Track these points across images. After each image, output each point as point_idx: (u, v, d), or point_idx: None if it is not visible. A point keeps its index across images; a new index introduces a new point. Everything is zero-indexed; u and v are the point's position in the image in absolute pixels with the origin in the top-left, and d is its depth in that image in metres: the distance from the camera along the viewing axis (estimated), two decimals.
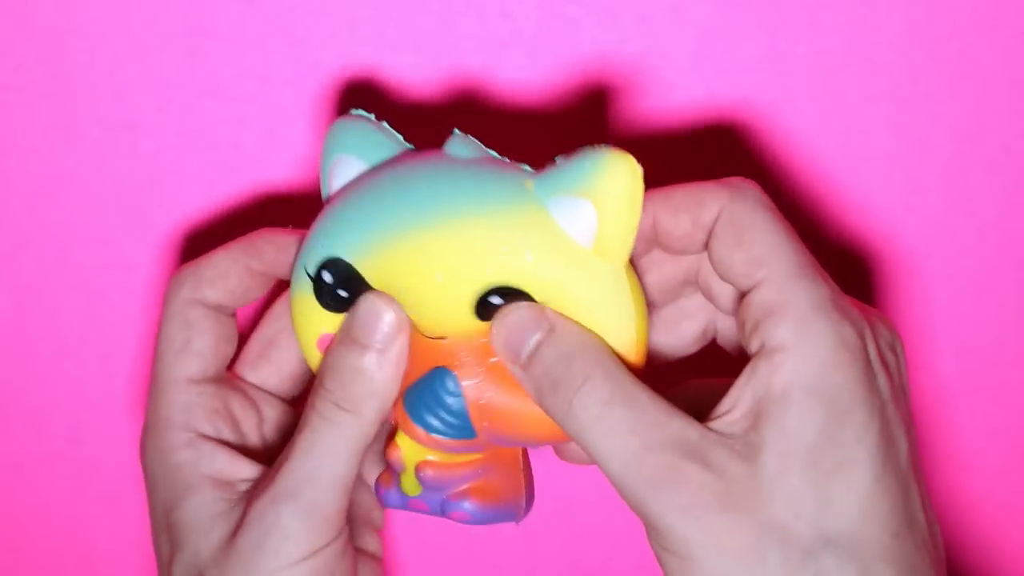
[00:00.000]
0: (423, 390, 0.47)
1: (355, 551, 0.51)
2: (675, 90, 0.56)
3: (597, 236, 0.45)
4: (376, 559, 0.53)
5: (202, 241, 0.57)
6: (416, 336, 0.47)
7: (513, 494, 0.50)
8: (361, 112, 0.48)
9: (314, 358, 0.48)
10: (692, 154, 0.56)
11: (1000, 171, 0.56)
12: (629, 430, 0.44)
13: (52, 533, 0.59)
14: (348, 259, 0.47)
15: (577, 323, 0.45)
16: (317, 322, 0.48)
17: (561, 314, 0.45)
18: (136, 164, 0.57)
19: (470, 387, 0.47)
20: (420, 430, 0.47)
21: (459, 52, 0.56)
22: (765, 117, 0.56)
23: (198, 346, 0.50)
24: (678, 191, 0.47)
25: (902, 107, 0.56)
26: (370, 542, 0.53)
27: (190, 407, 0.50)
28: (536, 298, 0.45)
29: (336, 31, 0.56)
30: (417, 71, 0.56)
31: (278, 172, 0.57)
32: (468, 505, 0.49)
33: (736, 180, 0.47)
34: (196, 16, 0.55)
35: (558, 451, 0.50)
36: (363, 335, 0.47)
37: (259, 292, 0.51)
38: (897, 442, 0.45)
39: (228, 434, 0.51)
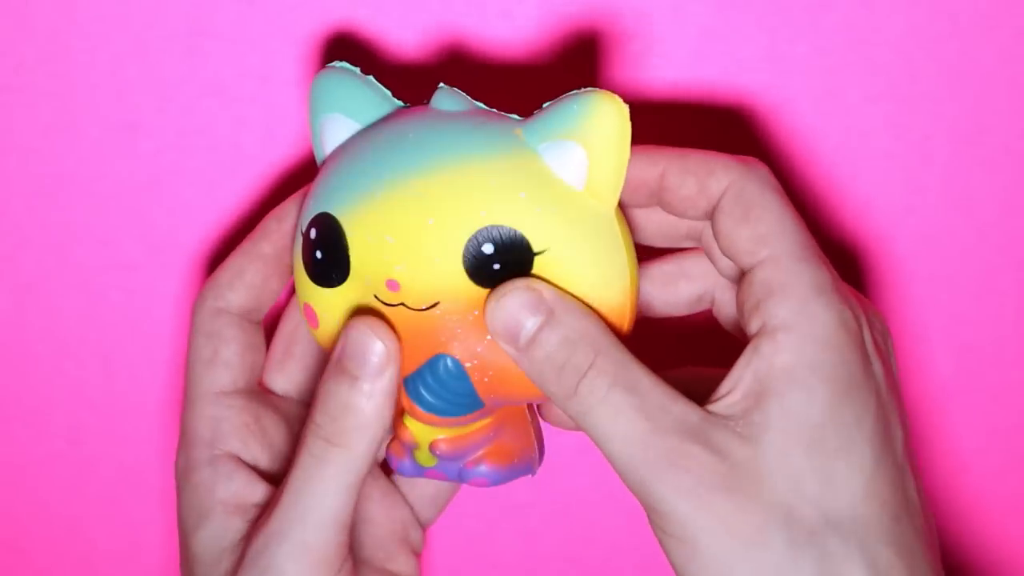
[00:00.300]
0: (426, 379, 0.46)
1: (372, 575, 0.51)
2: (673, 87, 0.56)
3: (588, 178, 0.45)
4: None
5: (202, 241, 0.57)
6: (408, 313, 0.46)
7: (525, 449, 0.50)
8: (345, 65, 0.48)
9: (310, 331, 0.48)
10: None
11: (1000, 171, 0.56)
12: (633, 413, 0.44)
13: (52, 533, 0.59)
14: (335, 215, 0.46)
15: (576, 300, 0.45)
16: (304, 288, 0.48)
17: (559, 292, 0.45)
18: (136, 164, 0.57)
19: (473, 368, 0.46)
20: (429, 415, 0.47)
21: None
22: (764, 116, 0.56)
23: (225, 356, 0.50)
24: (693, 154, 0.47)
25: (901, 107, 0.56)
26: (402, 563, 0.52)
27: (218, 422, 0.50)
28: (530, 238, 0.45)
29: (336, 31, 0.56)
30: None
31: (278, 172, 0.57)
32: (485, 469, 0.49)
33: (748, 158, 0.47)
34: (196, 16, 0.55)
35: (543, 412, 0.50)
36: (353, 365, 0.46)
37: (279, 282, 0.51)
38: (893, 429, 0.45)
39: (257, 450, 0.50)
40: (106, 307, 0.58)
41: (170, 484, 0.59)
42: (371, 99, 0.48)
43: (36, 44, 0.56)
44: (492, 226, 0.45)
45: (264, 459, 0.50)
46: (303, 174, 0.57)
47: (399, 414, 0.49)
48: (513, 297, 0.45)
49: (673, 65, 0.55)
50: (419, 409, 0.47)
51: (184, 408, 0.50)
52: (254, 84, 0.56)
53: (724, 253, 0.47)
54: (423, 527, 0.53)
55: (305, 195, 0.49)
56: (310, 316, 0.48)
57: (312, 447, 0.46)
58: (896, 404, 0.45)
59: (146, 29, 0.56)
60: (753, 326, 0.45)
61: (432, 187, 0.45)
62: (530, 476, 0.50)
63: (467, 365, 0.46)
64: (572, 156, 0.45)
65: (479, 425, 0.49)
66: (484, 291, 0.45)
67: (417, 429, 0.48)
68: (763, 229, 0.45)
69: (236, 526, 0.48)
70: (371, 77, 0.48)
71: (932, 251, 0.57)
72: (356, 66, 0.48)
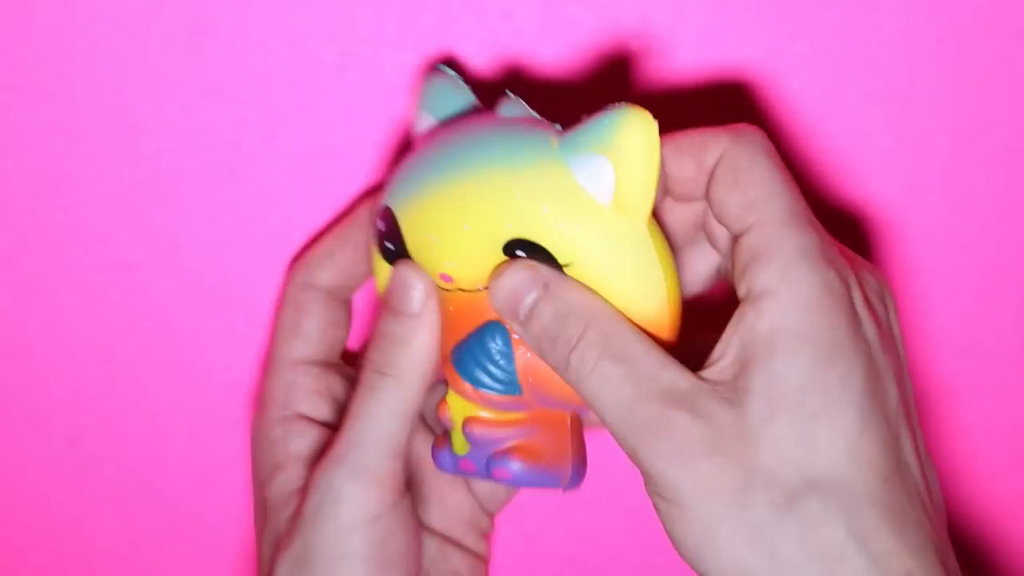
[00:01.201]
0: (472, 345, 0.48)
1: (448, 547, 0.53)
2: (673, 91, 0.56)
3: (616, 192, 0.46)
4: (480, 559, 0.54)
5: (202, 241, 0.57)
6: (459, 294, 0.48)
7: (558, 459, 0.50)
8: (449, 70, 0.50)
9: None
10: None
11: (1000, 171, 0.56)
12: (621, 381, 0.45)
13: (52, 533, 0.59)
14: (394, 209, 0.49)
15: (571, 279, 0.46)
16: (380, 271, 0.50)
17: (555, 272, 0.46)
18: (136, 164, 0.57)
19: (517, 343, 0.48)
20: (468, 386, 0.48)
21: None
22: (765, 113, 0.56)
23: (307, 328, 0.53)
24: (683, 135, 0.48)
25: (902, 107, 0.56)
26: (473, 542, 0.54)
27: (293, 386, 0.53)
28: (554, 252, 0.46)
29: (336, 31, 0.56)
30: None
31: (278, 172, 0.57)
32: (512, 463, 0.49)
33: (740, 125, 0.47)
34: (196, 16, 0.55)
35: (583, 417, 0.52)
36: (397, 303, 0.49)
37: (368, 267, 0.53)
38: (886, 387, 0.45)
39: (327, 413, 0.53)
40: (106, 307, 0.58)
41: (169, 483, 0.59)
42: (453, 101, 0.50)
43: (36, 44, 0.56)
44: (517, 239, 0.47)
45: (334, 421, 0.53)
46: (303, 174, 0.57)
47: (443, 399, 0.50)
48: (512, 274, 0.47)
49: (672, 65, 0.55)
50: (460, 378, 0.48)
51: (264, 372, 0.53)
52: (254, 84, 0.56)
53: (717, 220, 0.47)
54: (489, 515, 0.55)
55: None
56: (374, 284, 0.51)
57: (367, 379, 0.50)
58: (892, 362, 0.46)
59: (146, 29, 0.56)
60: (741, 291, 0.46)
61: (467, 193, 0.47)
62: (561, 491, 0.51)
63: (514, 337, 0.48)
64: (600, 170, 0.46)
65: (515, 416, 0.49)
66: None
67: (456, 405, 0.50)
68: (752, 195, 0.46)
69: (304, 473, 0.51)
70: (466, 84, 0.50)
71: (931, 251, 0.57)
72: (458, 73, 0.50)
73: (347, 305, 0.54)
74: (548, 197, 0.46)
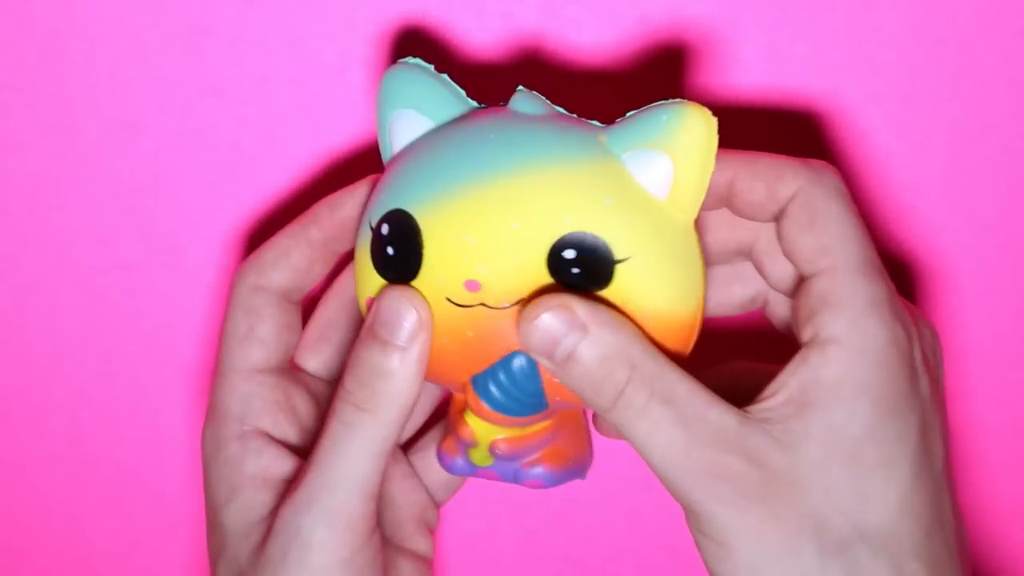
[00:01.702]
0: (498, 376, 0.46)
1: (394, 554, 0.51)
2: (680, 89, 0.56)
3: (672, 189, 0.45)
4: (425, 560, 0.52)
5: (201, 241, 0.57)
6: (485, 313, 0.46)
7: (580, 453, 0.50)
8: (419, 61, 0.48)
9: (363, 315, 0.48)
10: None
11: (1000, 171, 0.56)
12: (670, 425, 0.44)
13: (52, 533, 0.59)
14: (411, 212, 0.46)
15: (609, 312, 0.45)
16: (369, 282, 0.47)
17: (590, 306, 0.45)
18: (136, 164, 0.56)
19: (544, 367, 0.46)
20: (496, 414, 0.47)
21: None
22: (768, 113, 0.56)
23: (261, 334, 0.50)
24: (762, 159, 0.47)
25: (902, 107, 0.56)
26: (420, 543, 0.53)
27: (249, 398, 0.50)
28: (613, 246, 0.45)
29: (336, 31, 0.56)
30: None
31: (278, 172, 0.57)
32: (541, 471, 0.49)
33: (818, 163, 0.47)
34: (196, 16, 0.55)
35: (596, 423, 0.51)
36: (385, 331, 0.46)
37: (323, 267, 0.50)
38: (934, 444, 0.45)
39: (287, 427, 0.50)
40: (106, 307, 0.58)
41: (169, 483, 0.59)
42: (445, 97, 0.47)
43: (36, 44, 0.56)
44: (576, 232, 0.45)
45: (293, 436, 0.50)
46: (304, 174, 0.57)
47: (459, 412, 0.49)
48: (546, 315, 0.45)
49: (677, 65, 0.55)
50: (486, 406, 0.47)
51: (214, 382, 0.50)
52: (254, 84, 0.56)
53: (788, 257, 0.47)
54: (437, 507, 0.54)
55: (369, 185, 0.49)
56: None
57: (342, 413, 0.46)
58: (940, 419, 0.46)
59: (146, 29, 0.56)
60: (805, 335, 0.45)
61: (516, 190, 0.45)
62: (580, 480, 0.50)
63: (540, 363, 0.46)
64: (658, 166, 0.45)
65: (539, 427, 0.49)
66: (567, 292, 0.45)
67: (479, 427, 0.48)
68: (826, 239, 0.46)
69: (265, 500, 0.48)
70: (445, 75, 0.48)
71: (933, 251, 0.57)
72: (429, 63, 0.48)
73: (298, 308, 0.51)
74: (608, 190, 0.45)
